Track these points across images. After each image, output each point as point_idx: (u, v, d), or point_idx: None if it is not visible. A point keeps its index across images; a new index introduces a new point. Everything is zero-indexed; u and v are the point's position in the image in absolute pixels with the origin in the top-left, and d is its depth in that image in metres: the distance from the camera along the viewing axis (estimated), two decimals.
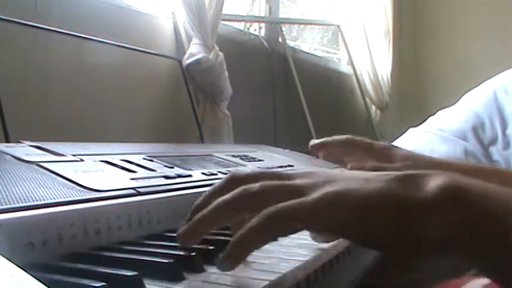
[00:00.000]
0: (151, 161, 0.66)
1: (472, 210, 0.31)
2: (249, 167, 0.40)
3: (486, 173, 0.64)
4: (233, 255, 0.35)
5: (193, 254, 0.38)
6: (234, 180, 0.38)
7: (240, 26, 2.13)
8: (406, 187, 0.33)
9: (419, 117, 1.41)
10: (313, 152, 0.67)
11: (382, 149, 0.64)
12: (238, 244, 0.34)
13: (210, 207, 0.37)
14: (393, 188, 0.33)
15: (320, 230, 0.35)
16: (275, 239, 0.47)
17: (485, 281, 0.38)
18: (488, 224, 0.31)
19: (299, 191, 0.35)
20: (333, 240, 0.44)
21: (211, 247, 0.41)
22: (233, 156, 0.88)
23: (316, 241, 0.44)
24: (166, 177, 0.60)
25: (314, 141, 0.66)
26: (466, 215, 0.31)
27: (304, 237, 0.48)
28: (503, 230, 0.30)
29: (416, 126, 1.32)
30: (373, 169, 0.55)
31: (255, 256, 0.43)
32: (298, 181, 0.36)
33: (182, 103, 1.48)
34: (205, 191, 0.40)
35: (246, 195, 0.36)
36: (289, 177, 0.38)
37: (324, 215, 0.33)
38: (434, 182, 0.32)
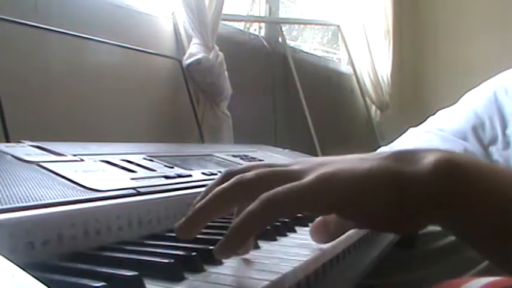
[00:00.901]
0: (152, 161, 0.66)
1: (466, 183, 0.31)
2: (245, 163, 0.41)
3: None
4: (232, 240, 0.35)
5: (194, 254, 0.38)
6: (230, 175, 0.39)
7: (240, 26, 2.13)
8: (401, 163, 0.33)
9: (419, 117, 1.41)
10: None
11: None
12: (237, 229, 0.35)
13: (207, 197, 0.37)
14: (388, 164, 0.33)
15: (317, 211, 0.36)
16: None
17: (485, 280, 0.38)
18: (482, 196, 0.31)
19: (294, 176, 0.35)
20: (332, 240, 0.44)
21: (211, 247, 0.41)
22: (233, 156, 0.88)
23: (316, 241, 0.44)
24: (167, 177, 0.60)
25: None
26: (460, 188, 0.31)
27: (304, 237, 0.48)
28: (497, 203, 0.31)
29: (416, 126, 1.32)
30: None
31: (256, 256, 0.43)
32: (292, 167, 0.37)
33: (182, 103, 1.48)
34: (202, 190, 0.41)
35: (242, 183, 0.36)
36: (282, 165, 0.39)
37: (321, 194, 0.33)
38: (429, 157, 0.32)
